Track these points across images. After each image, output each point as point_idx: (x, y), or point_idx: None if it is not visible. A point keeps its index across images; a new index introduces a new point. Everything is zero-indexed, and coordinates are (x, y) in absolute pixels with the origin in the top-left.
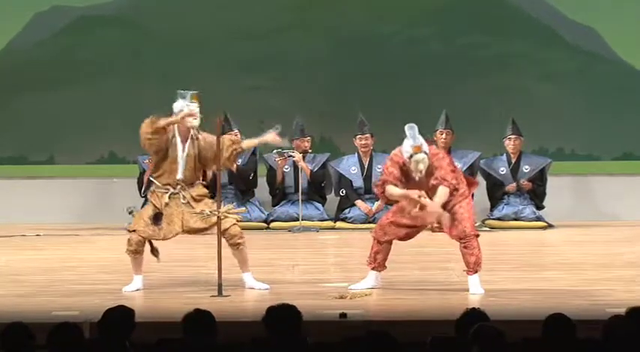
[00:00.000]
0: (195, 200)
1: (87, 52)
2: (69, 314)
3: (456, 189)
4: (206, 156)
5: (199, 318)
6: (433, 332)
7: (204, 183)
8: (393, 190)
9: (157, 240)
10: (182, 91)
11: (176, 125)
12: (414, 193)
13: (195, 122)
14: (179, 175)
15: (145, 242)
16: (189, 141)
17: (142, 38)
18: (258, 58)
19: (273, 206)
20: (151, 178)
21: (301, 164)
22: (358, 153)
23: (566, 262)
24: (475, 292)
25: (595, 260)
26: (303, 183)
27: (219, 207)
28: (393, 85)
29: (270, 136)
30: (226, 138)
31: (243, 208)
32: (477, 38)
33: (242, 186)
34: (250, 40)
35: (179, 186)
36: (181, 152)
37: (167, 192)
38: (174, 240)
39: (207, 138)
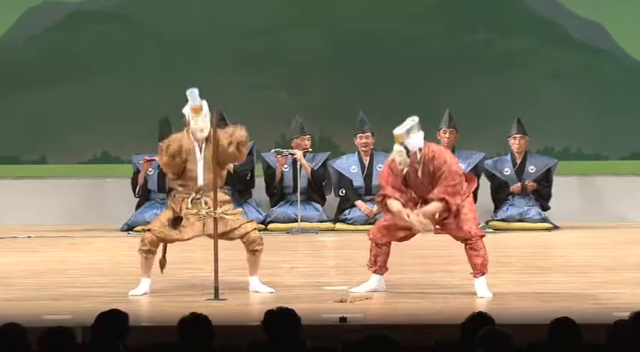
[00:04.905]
0: (220, 206)
1: (80, 48)
2: (61, 318)
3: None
4: (222, 156)
5: (195, 322)
6: (436, 336)
7: (225, 191)
8: (391, 205)
9: (173, 240)
10: (189, 92)
11: (191, 133)
12: (404, 213)
13: (203, 134)
14: (200, 182)
15: (158, 243)
16: (204, 146)
17: (137, 34)
18: (257, 55)
19: (272, 207)
20: (172, 185)
21: (302, 162)
22: (358, 152)
23: (573, 265)
24: (483, 295)
25: (602, 262)
26: (301, 183)
27: (215, 207)
28: (395, 82)
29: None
30: (223, 135)
31: (241, 209)
32: (481, 35)
33: (239, 187)
34: (249, 37)
35: (201, 191)
36: (199, 158)
37: (189, 197)
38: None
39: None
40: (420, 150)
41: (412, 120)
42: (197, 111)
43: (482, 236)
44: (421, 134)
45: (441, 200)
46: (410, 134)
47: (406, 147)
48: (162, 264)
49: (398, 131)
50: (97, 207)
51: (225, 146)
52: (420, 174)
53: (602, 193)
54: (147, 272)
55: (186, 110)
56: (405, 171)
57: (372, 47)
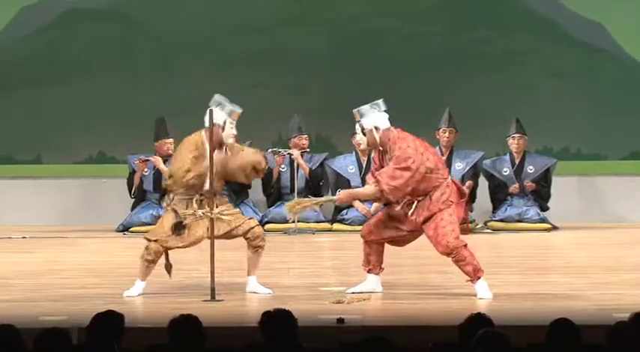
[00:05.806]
0: (217, 207)
1: (77, 47)
2: (56, 319)
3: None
4: (231, 168)
5: (185, 324)
6: (433, 337)
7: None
8: None
9: (179, 247)
10: (224, 99)
11: (204, 135)
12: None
13: (232, 141)
14: (206, 186)
15: (163, 253)
16: (216, 151)
17: (135, 33)
18: (257, 55)
19: (268, 207)
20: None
21: (300, 162)
22: (356, 151)
23: (572, 265)
24: (483, 297)
25: (601, 263)
26: (299, 183)
27: (212, 207)
28: (395, 82)
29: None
30: (249, 158)
31: (237, 210)
32: (481, 34)
33: (236, 187)
34: (249, 37)
35: (207, 194)
36: (209, 164)
37: (192, 198)
38: None
39: (234, 149)
40: (376, 129)
41: (373, 102)
42: (239, 116)
43: (464, 245)
44: (382, 115)
45: (377, 182)
46: (366, 113)
47: (361, 125)
48: (169, 268)
49: (355, 109)
50: (92, 207)
51: (246, 167)
52: (389, 159)
53: (602, 193)
54: (144, 277)
55: (221, 116)
56: (372, 154)
57: (371, 46)
